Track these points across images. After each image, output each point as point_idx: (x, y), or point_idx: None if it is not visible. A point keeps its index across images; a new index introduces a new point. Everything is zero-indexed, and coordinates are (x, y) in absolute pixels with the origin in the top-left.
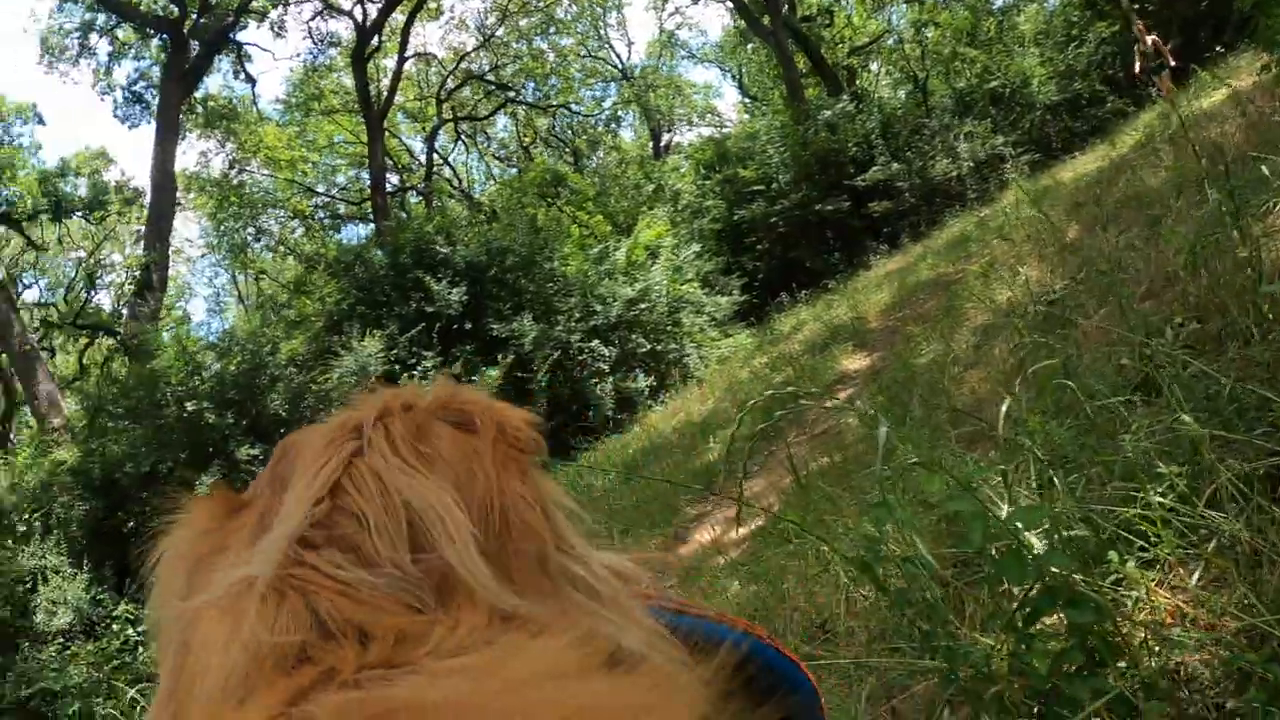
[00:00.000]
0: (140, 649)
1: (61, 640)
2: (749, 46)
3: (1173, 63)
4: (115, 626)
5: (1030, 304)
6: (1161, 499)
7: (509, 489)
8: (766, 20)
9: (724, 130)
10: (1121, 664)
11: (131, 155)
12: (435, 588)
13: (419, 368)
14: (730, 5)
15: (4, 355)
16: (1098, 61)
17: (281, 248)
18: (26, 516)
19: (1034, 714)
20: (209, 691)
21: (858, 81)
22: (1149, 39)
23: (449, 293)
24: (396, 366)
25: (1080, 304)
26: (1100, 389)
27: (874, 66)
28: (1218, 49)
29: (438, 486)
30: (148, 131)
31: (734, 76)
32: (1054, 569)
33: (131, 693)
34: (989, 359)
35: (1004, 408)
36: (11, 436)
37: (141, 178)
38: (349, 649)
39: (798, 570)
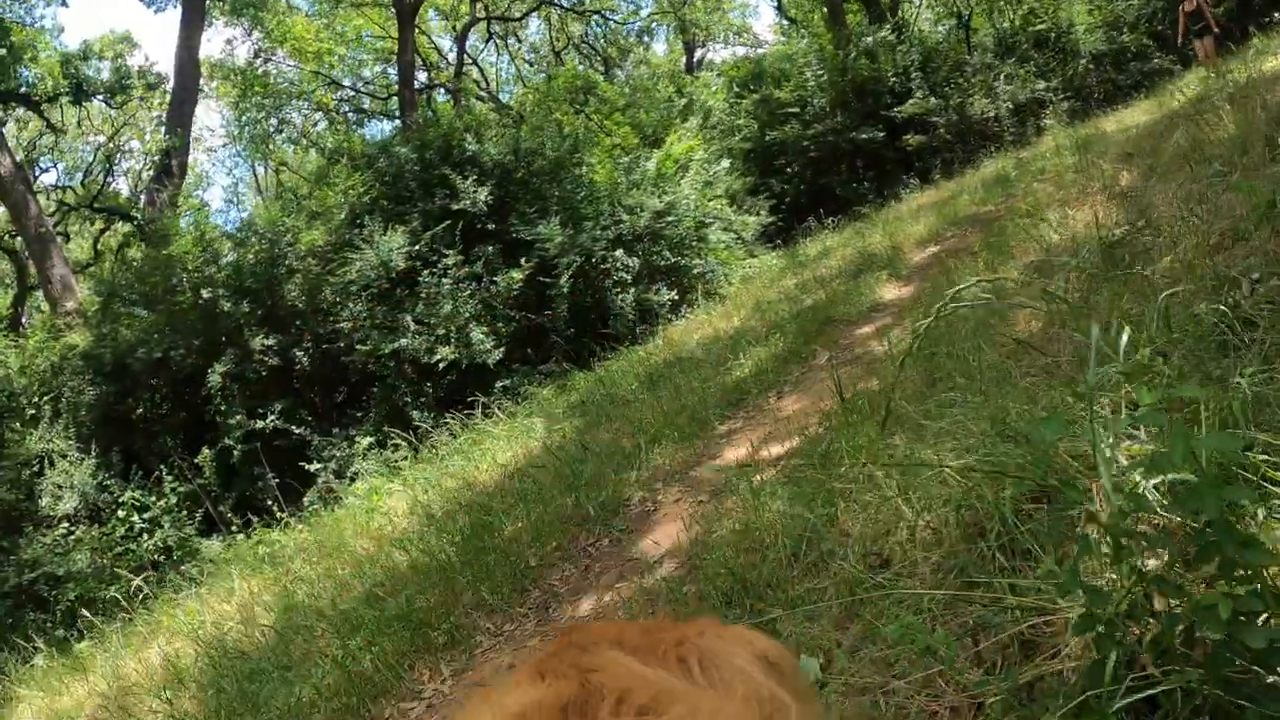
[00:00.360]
0: (144, 536)
1: (66, 525)
2: None
3: (1216, 29)
4: (121, 513)
5: (1087, 246)
6: None
7: None
8: None
9: (759, 50)
10: None
11: (156, 41)
12: None
13: (439, 265)
14: None
15: (19, 238)
16: (1147, 15)
17: (304, 140)
18: (36, 400)
19: (1191, 663)
20: None
21: (900, 12)
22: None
23: (475, 191)
24: (418, 263)
25: (1141, 252)
26: (1177, 336)
27: None
28: (1276, 14)
29: None
30: (172, 17)
31: None
32: (1241, 501)
33: (136, 581)
34: (1043, 297)
35: (1124, 337)
36: (24, 320)
37: (164, 64)
38: None
39: (846, 494)
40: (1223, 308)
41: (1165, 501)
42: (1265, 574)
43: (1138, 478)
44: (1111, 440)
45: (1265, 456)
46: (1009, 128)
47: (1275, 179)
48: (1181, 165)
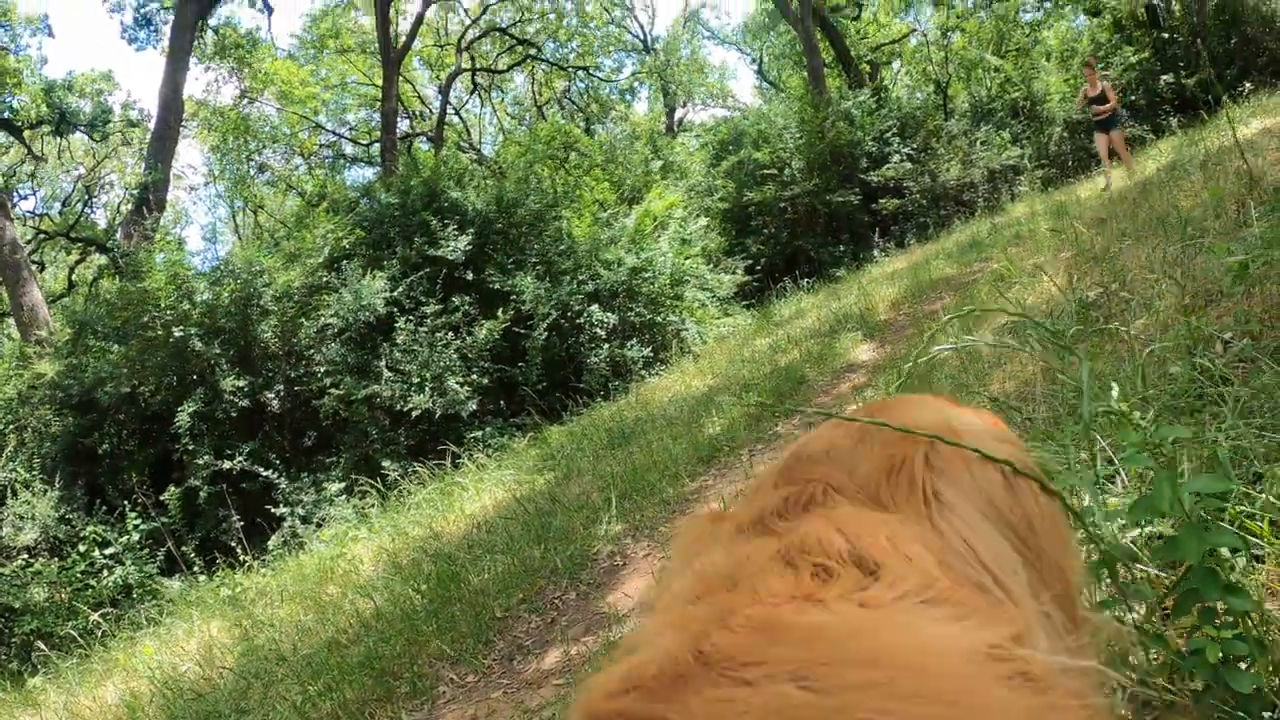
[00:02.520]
0: (105, 572)
1: (25, 557)
2: (773, 33)
3: (1120, 123)
4: (82, 548)
5: (1061, 308)
6: (1273, 497)
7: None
8: (795, 6)
9: (738, 111)
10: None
11: (137, 80)
12: None
13: (417, 312)
14: None
15: None
16: (1121, 86)
17: (284, 184)
18: (0, 427)
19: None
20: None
21: (880, 77)
22: (1099, 84)
23: (455, 238)
24: (395, 309)
25: (1117, 312)
26: (1153, 393)
27: (895, 65)
28: (1246, 85)
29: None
30: (154, 57)
31: (754, 60)
32: (1222, 549)
33: (95, 616)
34: (1015, 357)
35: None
36: None
37: (146, 103)
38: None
39: None
40: (1198, 365)
41: (1145, 552)
42: (1249, 621)
43: (1116, 529)
44: (1091, 487)
45: (1243, 507)
46: (983, 193)
47: (1247, 242)
48: (1155, 229)
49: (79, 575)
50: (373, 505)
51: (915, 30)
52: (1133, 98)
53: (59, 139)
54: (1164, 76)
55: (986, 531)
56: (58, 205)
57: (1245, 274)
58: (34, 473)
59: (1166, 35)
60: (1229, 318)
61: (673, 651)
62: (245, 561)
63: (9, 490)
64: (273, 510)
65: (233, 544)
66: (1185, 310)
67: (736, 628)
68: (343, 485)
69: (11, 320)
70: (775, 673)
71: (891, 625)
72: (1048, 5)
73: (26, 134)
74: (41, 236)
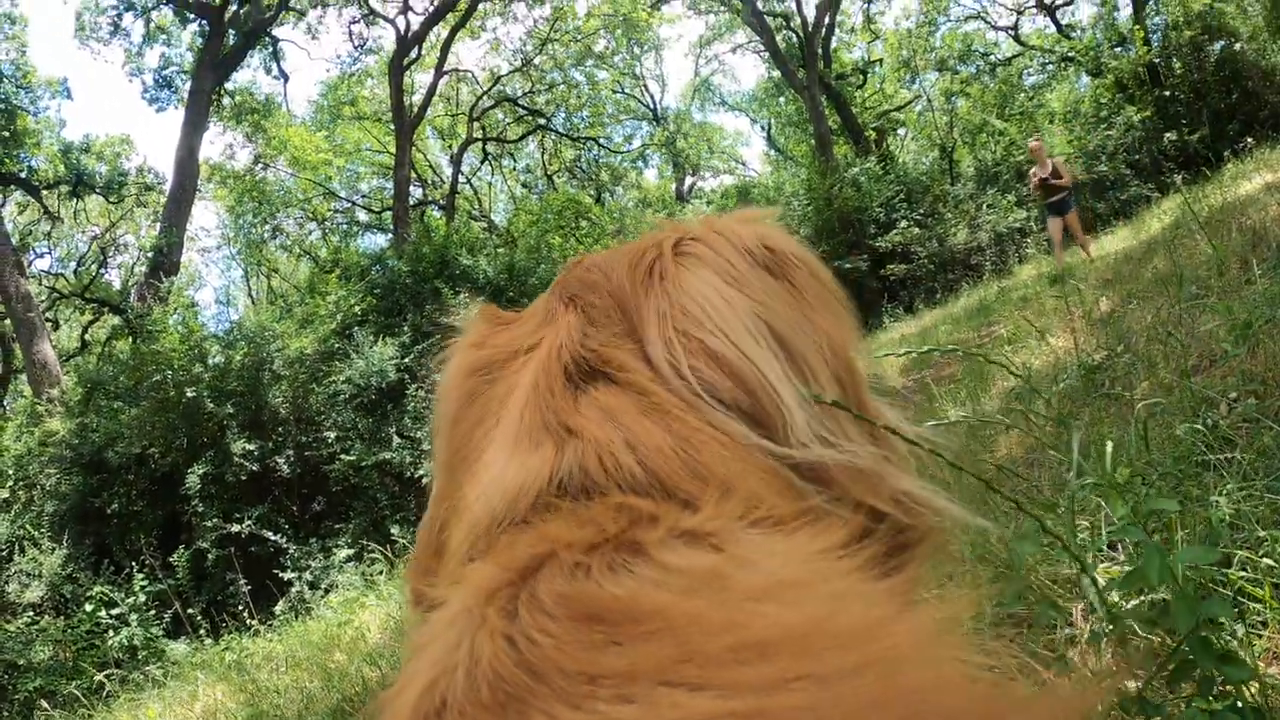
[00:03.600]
0: (111, 632)
1: (31, 614)
2: (781, 99)
3: (1073, 205)
4: (88, 607)
5: (1066, 372)
6: (1273, 562)
7: (837, 335)
8: (801, 74)
9: (748, 179)
10: None
11: (155, 140)
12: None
13: (428, 380)
14: (767, 56)
15: (7, 320)
16: (1125, 145)
17: (297, 248)
18: (10, 484)
19: None
20: (459, 539)
21: (886, 143)
22: (1049, 162)
23: (467, 306)
24: (406, 376)
25: (1121, 375)
26: (1156, 457)
27: (901, 131)
28: (1249, 139)
29: (768, 315)
30: (173, 117)
31: (763, 128)
32: (1216, 618)
33: (99, 676)
34: (1023, 423)
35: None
36: (5, 403)
37: (162, 165)
38: (583, 519)
39: None
40: (1201, 428)
41: (1143, 621)
42: (1246, 690)
43: (1116, 597)
44: (1089, 558)
45: (1244, 572)
46: (991, 257)
47: (1250, 300)
48: (1160, 289)
49: (84, 634)
50: (381, 572)
51: (920, 97)
52: (1137, 156)
53: (76, 200)
54: (1167, 134)
55: (731, 297)
56: (73, 264)
57: (1247, 333)
58: (42, 530)
59: (1168, 93)
60: (1233, 377)
61: (482, 654)
62: (252, 625)
63: (17, 547)
64: (280, 575)
65: (239, 607)
66: (1186, 373)
67: (553, 613)
68: (351, 551)
69: (24, 377)
70: (648, 682)
71: (749, 584)
72: (1050, 68)
73: (44, 194)
74: (56, 295)
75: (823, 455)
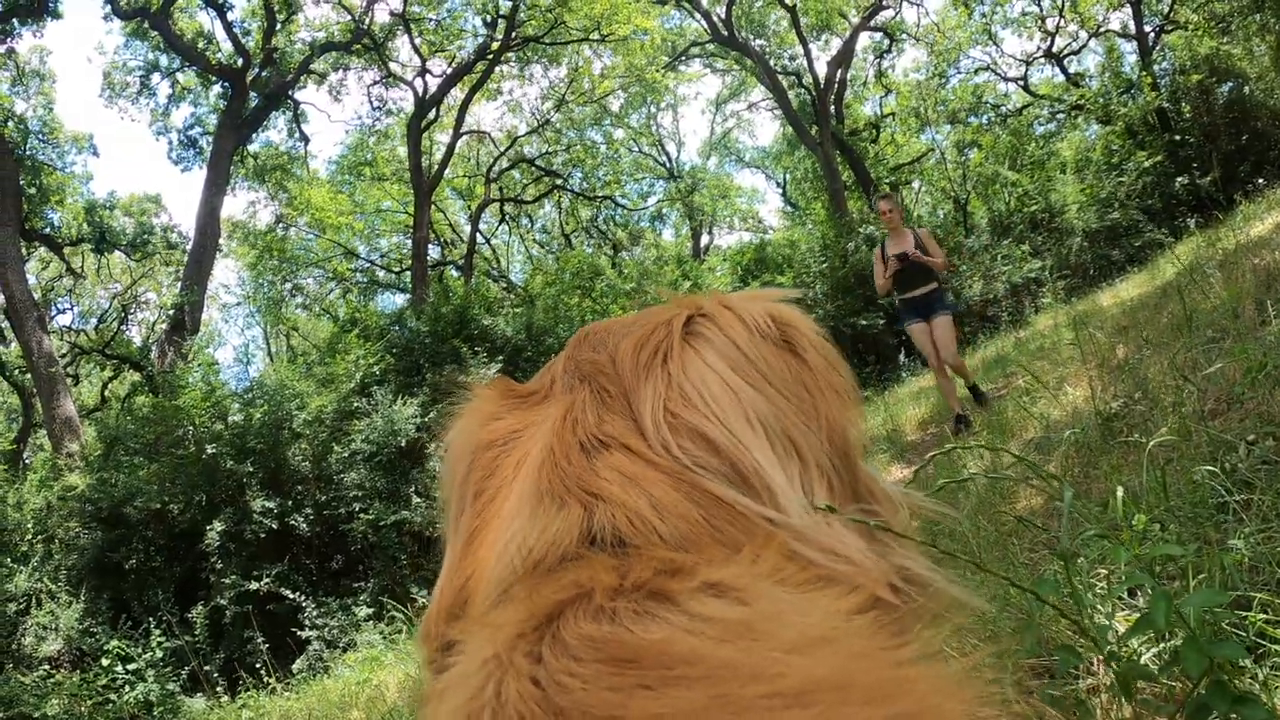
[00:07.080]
0: (127, 688)
1: (47, 667)
2: (796, 155)
3: (949, 303)
4: (105, 662)
5: (1085, 421)
6: None
7: (837, 416)
8: (815, 131)
9: (765, 235)
10: None
11: (181, 195)
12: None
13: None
14: (780, 114)
15: (28, 374)
16: (1136, 191)
17: (316, 307)
18: (29, 537)
19: None
20: (484, 587)
21: (900, 196)
22: (908, 235)
23: (486, 365)
24: (425, 435)
25: (1139, 423)
26: (1174, 503)
27: (915, 184)
28: (1260, 180)
29: (766, 400)
30: (199, 175)
31: (779, 184)
32: (1236, 660)
33: None
34: (1034, 479)
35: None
36: (26, 457)
37: (188, 222)
38: (609, 567)
39: None
40: (1219, 471)
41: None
42: None
43: (1135, 644)
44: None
45: (1264, 615)
46: (1007, 308)
47: (1266, 341)
48: (1175, 334)
49: (100, 689)
50: (400, 631)
51: (933, 150)
52: (1150, 202)
53: (99, 256)
54: (1179, 178)
55: (730, 380)
56: (94, 320)
57: (1260, 374)
58: (60, 584)
59: (1178, 137)
60: (1250, 419)
61: (509, 697)
62: (269, 683)
63: (34, 600)
64: (299, 633)
65: (257, 665)
66: (1203, 417)
67: (580, 655)
68: (371, 610)
69: (44, 431)
70: None
71: (781, 636)
72: (1060, 117)
73: (66, 250)
74: (77, 351)
75: (817, 537)
